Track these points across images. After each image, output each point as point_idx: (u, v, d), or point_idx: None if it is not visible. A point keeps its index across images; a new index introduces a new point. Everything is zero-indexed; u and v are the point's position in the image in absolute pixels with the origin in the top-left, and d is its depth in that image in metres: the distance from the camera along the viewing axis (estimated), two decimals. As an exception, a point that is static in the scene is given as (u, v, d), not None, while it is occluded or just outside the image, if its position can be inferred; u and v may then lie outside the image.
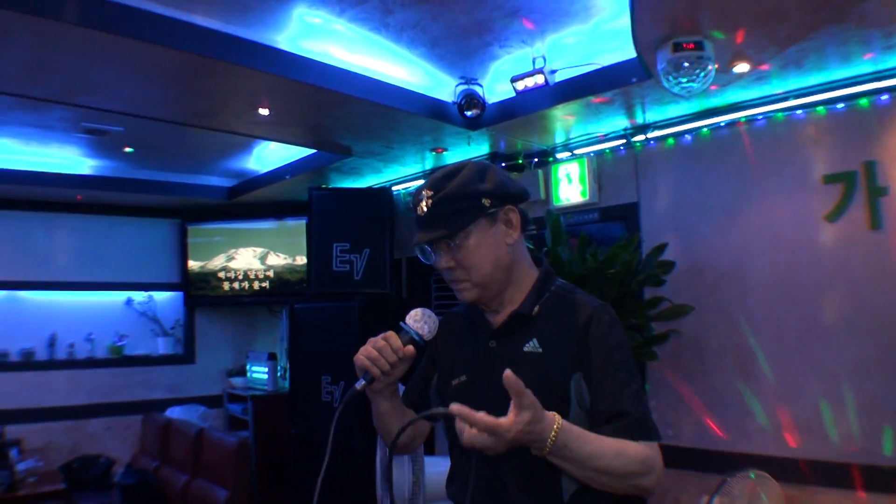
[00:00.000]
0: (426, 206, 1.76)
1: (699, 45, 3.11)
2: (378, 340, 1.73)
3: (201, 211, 7.05)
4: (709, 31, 3.12)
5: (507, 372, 1.47)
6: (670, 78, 3.21)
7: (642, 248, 4.52)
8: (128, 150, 5.37)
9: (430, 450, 3.03)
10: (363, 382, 1.73)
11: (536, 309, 1.82)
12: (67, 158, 5.65)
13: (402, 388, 2.07)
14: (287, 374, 6.30)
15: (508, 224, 1.80)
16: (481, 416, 1.48)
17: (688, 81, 3.20)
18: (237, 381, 7.22)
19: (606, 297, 3.68)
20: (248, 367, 7.22)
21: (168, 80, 3.70)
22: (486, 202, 1.75)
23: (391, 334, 1.74)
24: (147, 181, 6.23)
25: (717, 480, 3.77)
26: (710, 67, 3.18)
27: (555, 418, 1.55)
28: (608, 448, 1.63)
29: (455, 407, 1.52)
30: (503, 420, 1.48)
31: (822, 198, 3.88)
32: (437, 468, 2.00)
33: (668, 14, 2.98)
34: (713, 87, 3.78)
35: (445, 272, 1.82)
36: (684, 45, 3.10)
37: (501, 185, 1.78)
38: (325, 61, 3.78)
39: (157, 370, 7.02)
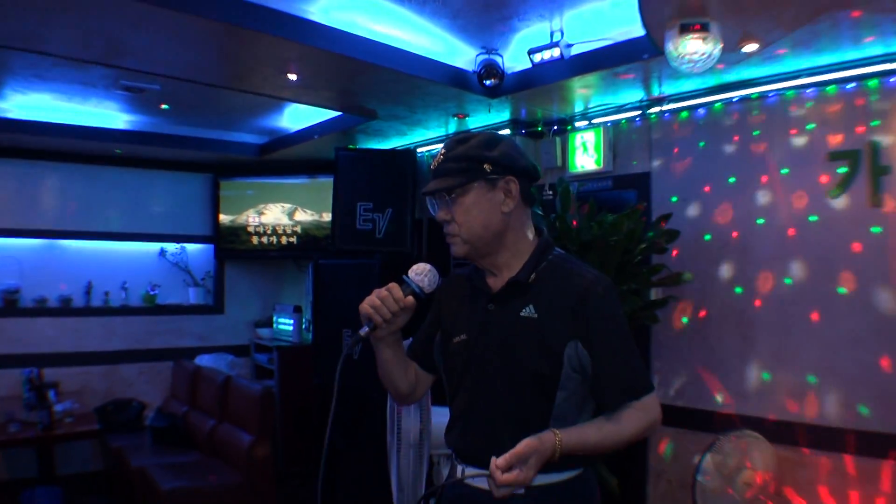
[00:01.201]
0: (437, 162, 1.98)
1: (705, 27, 3.23)
2: (381, 291, 1.92)
3: (233, 166, 7.22)
4: (715, 13, 3.24)
5: (496, 464, 1.74)
6: (677, 57, 3.34)
7: (651, 215, 4.69)
8: (164, 107, 5.55)
9: (436, 400, 3.25)
10: (367, 329, 1.93)
11: (533, 276, 1.99)
12: (106, 114, 5.84)
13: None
14: (311, 327, 6.54)
15: (507, 193, 1.96)
16: (509, 478, 1.73)
17: (694, 61, 3.33)
18: (264, 332, 7.49)
19: (609, 263, 3.86)
20: (274, 318, 7.50)
21: (203, 46, 3.90)
22: (487, 167, 1.92)
23: (394, 285, 1.93)
24: (182, 137, 6.40)
25: (713, 439, 4.01)
26: (715, 48, 3.30)
27: (553, 438, 1.80)
28: (608, 434, 1.90)
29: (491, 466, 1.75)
30: (524, 474, 1.74)
31: (827, 174, 3.99)
32: (443, 417, 2.22)
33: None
34: (722, 66, 3.89)
35: (443, 224, 2.01)
36: (691, 27, 3.23)
37: (507, 156, 1.95)
38: (352, 30, 3.92)
39: (188, 319, 7.27)
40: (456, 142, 1.99)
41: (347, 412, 3.69)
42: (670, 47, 3.31)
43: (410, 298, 1.94)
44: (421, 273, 1.99)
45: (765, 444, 4.05)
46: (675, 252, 4.55)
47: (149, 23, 3.48)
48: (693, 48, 3.27)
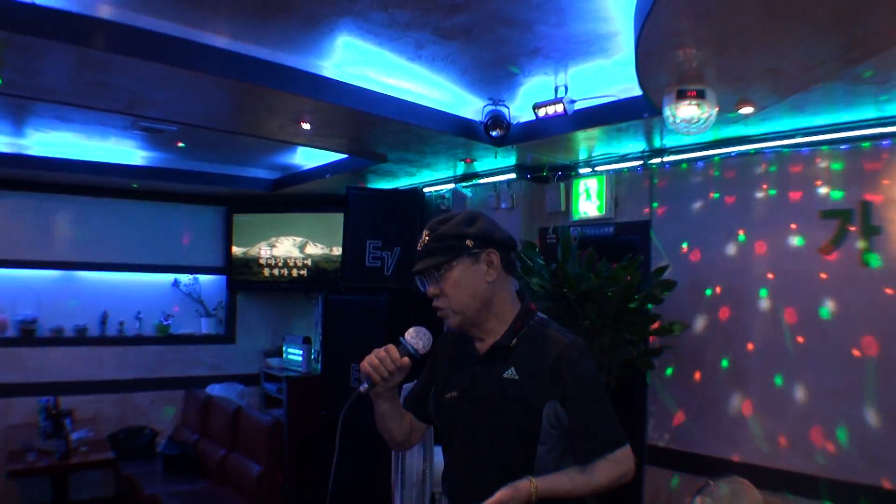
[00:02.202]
0: (423, 243, 2.16)
1: (701, 93, 3.37)
2: (380, 351, 2.09)
3: (247, 200, 7.38)
4: (711, 80, 3.38)
5: None
6: (674, 121, 3.48)
7: (651, 262, 4.83)
8: (180, 144, 5.73)
9: (439, 440, 3.40)
10: (366, 386, 2.10)
11: (514, 341, 2.17)
12: (124, 151, 6.02)
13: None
14: (320, 358, 6.68)
15: (490, 264, 2.15)
16: None
17: (690, 124, 3.47)
18: (273, 361, 7.64)
19: (606, 313, 4.00)
20: (284, 349, 7.63)
21: (220, 100, 4.09)
22: (469, 243, 2.11)
23: (391, 347, 2.11)
24: (197, 172, 6.57)
25: (703, 482, 4.12)
26: (711, 113, 3.44)
27: (528, 485, 2.00)
28: (579, 483, 2.08)
29: None
30: None
31: (819, 231, 4.12)
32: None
33: (671, 67, 3.24)
34: (724, 121, 4.03)
35: (434, 299, 2.18)
36: (687, 93, 3.37)
37: (486, 232, 2.15)
38: (364, 84, 4.10)
39: (200, 348, 7.42)
40: (438, 223, 2.17)
41: (354, 447, 3.83)
42: (667, 112, 3.45)
43: (406, 359, 2.12)
44: (416, 336, 2.16)
45: (752, 490, 4.16)
46: (670, 300, 4.68)
47: (170, 81, 3.68)
48: (689, 113, 3.40)
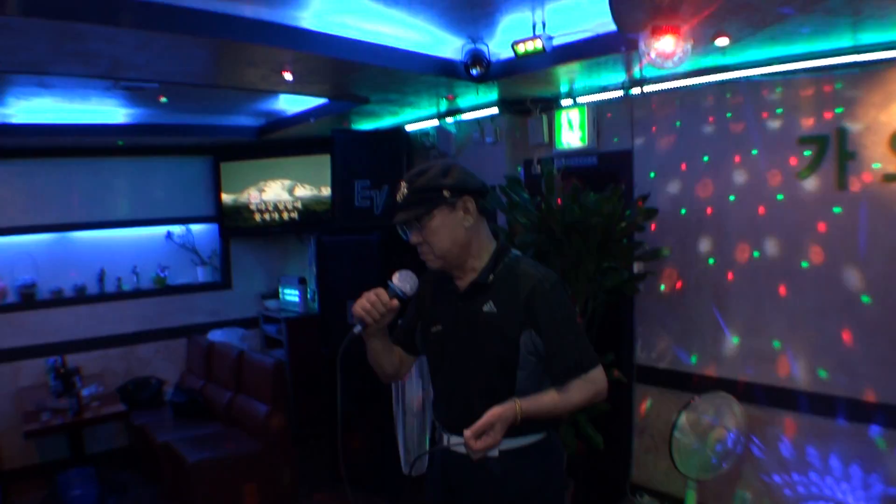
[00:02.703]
0: (402, 195, 2.32)
1: (676, 28, 3.44)
2: (370, 295, 2.28)
3: (233, 148, 7.41)
4: (686, 15, 3.43)
5: (467, 433, 2.14)
6: (648, 55, 3.55)
7: (633, 190, 4.95)
8: (162, 99, 5.71)
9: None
10: (360, 328, 2.31)
11: (491, 278, 2.38)
12: (107, 111, 5.99)
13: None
14: (316, 297, 6.83)
15: (466, 211, 2.33)
16: (480, 444, 2.14)
17: (666, 59, 3.53)
18: (271, 304, 7.80)
19: (591, 243, 4.14)
20: (280, 290, 7.80)
21: (200, 58, 4.10)
22: (446, 193, 2.28)
23: (380, 290, 2.30)
24: (181, 125, 6.56)
25: (689, 398, 4.35)
26: (686, 47, 3.50)
27: (514, 405, 2.20)
28: (558, 402, 2.31)
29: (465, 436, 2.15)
30: (491, 438, 2.14)
31: (796, 157, 4.23)
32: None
33: (644, 4, 3.29)
34: (703, 51, 4.08)
35: (417, 246, 2.36)
36: (662, 29, 3.43)
37: (461, 181, 2.31)
38: (344, 32, 4.12)
39: (198, 297, 7.56)
40: (415, 175, 2.33)
41: (356, 382, 4.00)
42: (643, 47, 3.52)
43: (395, 301, 2.31)
44: (402, 279, 2.36)
45: (735, 403, 4.39)
46: (653, 226, 4.85)
47: (149, 45, 3.71)
48: (664, 48, 3.47)
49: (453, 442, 2.36)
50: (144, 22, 3.35)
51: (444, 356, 2.47)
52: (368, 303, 2.27)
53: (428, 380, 4.11)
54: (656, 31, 3.42)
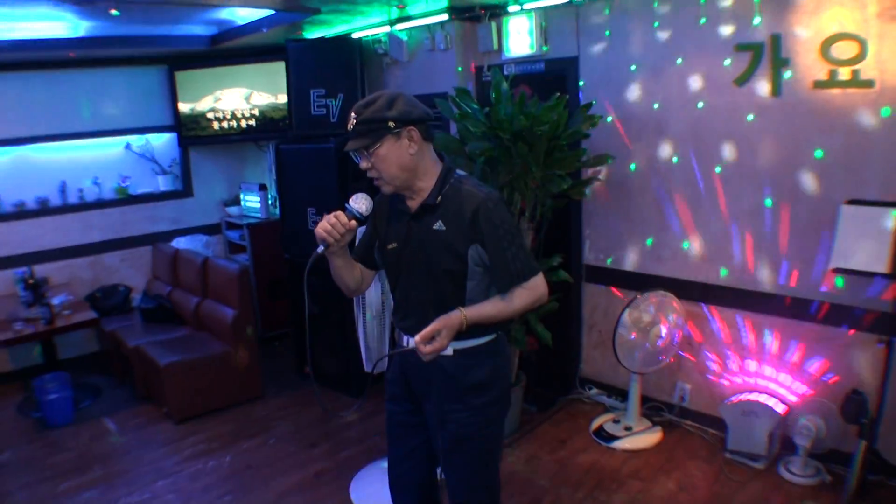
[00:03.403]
0: (352, 125, 2.53)
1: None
2: (330, 217, 2.52)
3: (187, 57, 7.36)
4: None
5: (417, 339, 2.45)
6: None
7: (580, 96, 5.14)
8: (113, 12, 5.70)
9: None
10: (322, 248, 2.57)
11: (439, 199, 2.61)
12: (58, 23, 5.91)
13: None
14: (277, 203, 6.99)
15: (410, 139, 2.53)
16: (429, 348, 2.45)
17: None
18: (233, 210, 7.96)
19: (537, 151, 4.34)
20: (241, 197, 7.94)
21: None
22: (391, 124, 2.48)
23: (340, 213, 2.54)
24: (134, 36, 6.51)
25: (634, 296, 4.65)
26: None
27: (459, 314, 2.52)
28: (501, 308, 2.62)
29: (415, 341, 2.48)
30: (438, 343, 2.46)
31: (734, 63, 4.40)
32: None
33: None
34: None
35: (367, 172, 2.59)
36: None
37: (404, 112, 2.50)
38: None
39: (160, 205, 7.65)
40: (363, 106, 2.52)
41: (320, 290, 4.26)
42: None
43: (353, 222, 2.56)
44: (358, 201, 2.60)
45: (675, 301, 4.71)
46: (620, 127, 5.05)
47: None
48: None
49: (412, 344, 2.61)
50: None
51: (400, 270, 2.73)
52: (329, 224, 2.51)
53: (386, 285, 4.38)
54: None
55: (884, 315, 3.96)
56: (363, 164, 2.56)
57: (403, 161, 2.54)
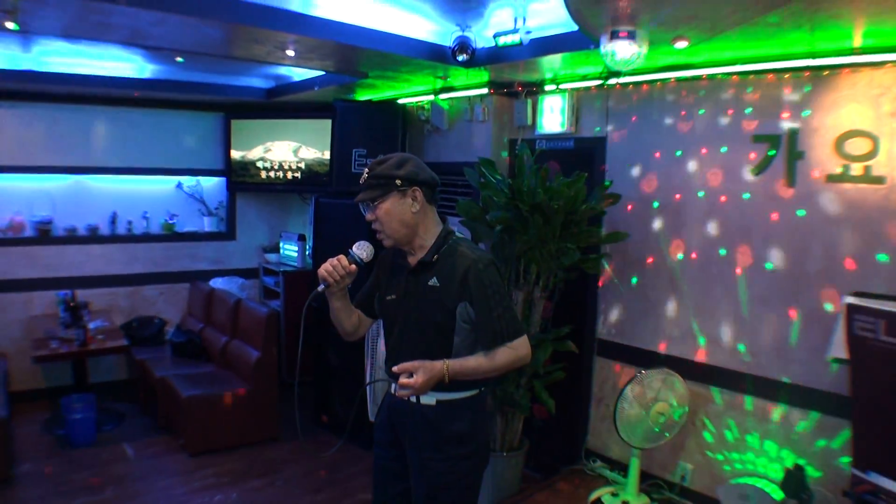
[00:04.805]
0: (364, 178, 2.79)
1: (632, 35, 3.78)
2: (333, 260, 2.76)
3: (243, 106, 7.77)
4: (645, 20, 3.75)
5: (395, 368, 2.68)
6: (608, 55, 3.89)
7: (606, 175, 5.33)
8: (178, 59, 6.08)
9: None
10: (323, 287, 2.79)
11: (435, 257, 2.83)
12: (127, 64, 6.34)
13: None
14: (313, 254, 7.26)
15: (414, 199, 2.77)
16: (404, 381, 2.65)
17: (623, 61, 3.88)
18: (271, 256, 8.27)
19: (553, 224, 4.53)
20: (281, 245, 8.25)
21: (211, 35, 4.49)
22: (398, 182, 2.72)
23: (342, 256, 2.77)
24: (195, 83, 6.94)
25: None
26: (640, 51, 3.84)
27: (441, 364, 2.69)
28: (482, 363, 2.78)
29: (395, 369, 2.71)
30: (413, 379, 2.63)
31: (750, 153, 4.58)
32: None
33: (600, 13, 3.62)
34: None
35: (372, 223, 2.82)
36: (619, 34, 3.77)
37: (412, 174, 2.75)
38: (343, 16, 4.51)
39: (203, 245, 8.01)
40: (376, 164, 2.78)
41: (336, 336, 4.47)
42: (602, 49, 3.88)
43: (354, 266, 2.78)
44: (360, 248, 2.83)
45: (679, 380, 4.80)
46: (629, 207, 5.23)
47: (164, 21, 4.11)
48: (623, 51, 3.82)
49: (398, 391, 2.80)
50: (158, 3, 3.78)
51: (395, 321, 2.91)
52: (331, 266, 2.74)
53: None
54: (614, 36, 3.77)
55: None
56: (368, 216, 2.80)
57: (405, 217, 2.75)
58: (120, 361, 7.45)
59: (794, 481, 4.05)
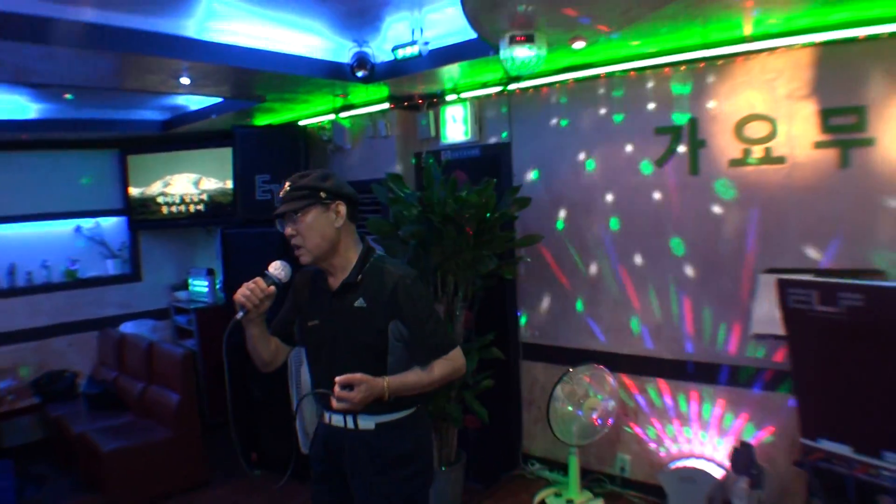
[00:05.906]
0: (285, 191, 2.67)
1: (530, 38, 3.80)
2: (250, 283, 2.62)
3: (139, 141, 7.51)
4: (542, 23, 3.79)
5: (337, 379, 2.51)
6: (508, 60, 3.91)
7: (513, 180, 5.37)
8: (67, 96, 5.85)
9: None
10: (241, 314, 2.62)
11: (359, 277, 2.74)
12: (11, 106, 6.07)
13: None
14: (224, 288, 7.09)
15: (337, 213, 2.68)
16: (343, 393, 2.50)
17: (522, 64, 3.91)
18: (181, 294, 7.99)
19: (466, 233, 4.53)
20: (189, 281, 7.98)
21: (101, 67, 4.36)
22: (322, 195, 2.64)
23: (258, 279, 2.64)
24: (87, 120, 6.66)
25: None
26: (540, 54, 3.87)
27: (382, 380, 2.59)
28: (421, 377, 2.72)
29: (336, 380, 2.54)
30: (354, 393, 2.50)
31: (654, 146, 4.70)
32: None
33: (499, 15, 3.66)
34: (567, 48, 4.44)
35: (290, 238, 2.70)
36: (517, 38, 3.79)
37: (336, 187, 2.68)
38: (236, 38, 4.42)
39: (109, 289, 7.67)
40: (299, 177, 2.69)
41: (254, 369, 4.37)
42: (502, 55, 3.89)
43: (272, 288, 2.65)
44: (278, 268, 2.70)
45: (606, 373, 4.85)
46: (540, 209, 5.24)
47: (53, 56, 3.96)
48: (522, 55, 3.84)
49: (334, 421, 2.74)
50: (43, 37, 3.62)
51: (321, 347, 2.79)
52: (248, 290, 2.60)
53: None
54: (513, 41, 3.79)
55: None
56: (288, 230, 2.68)
57: (327, 232, 2.66)
58: (34, 421, 7.01)
59: (742, 458, 4.13)
